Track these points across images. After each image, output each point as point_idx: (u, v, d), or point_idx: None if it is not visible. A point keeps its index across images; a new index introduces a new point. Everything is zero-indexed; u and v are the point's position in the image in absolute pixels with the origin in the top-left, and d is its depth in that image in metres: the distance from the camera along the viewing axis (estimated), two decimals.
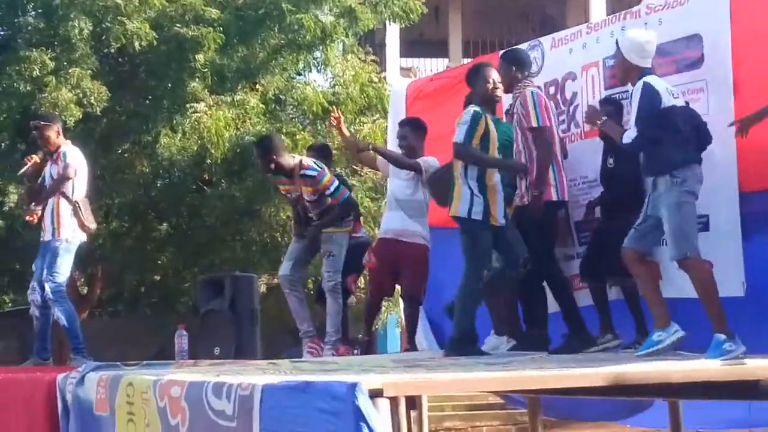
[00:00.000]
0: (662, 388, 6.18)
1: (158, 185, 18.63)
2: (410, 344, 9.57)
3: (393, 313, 18.70)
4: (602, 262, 8.08)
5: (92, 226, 9.95)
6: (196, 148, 17.38)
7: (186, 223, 19.13)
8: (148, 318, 21.09)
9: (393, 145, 11.02)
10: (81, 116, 16.13)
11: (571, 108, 9.10)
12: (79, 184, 9.84)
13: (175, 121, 17.48)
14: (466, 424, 21.88)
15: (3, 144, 18.89)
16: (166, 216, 19.32)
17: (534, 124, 8.23)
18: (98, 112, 16.69)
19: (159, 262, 19.60)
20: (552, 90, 9.27)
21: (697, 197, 7.27)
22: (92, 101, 16.40)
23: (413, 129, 9.54)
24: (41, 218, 9.84)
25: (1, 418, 7.94)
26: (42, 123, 10.00)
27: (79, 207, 9.78)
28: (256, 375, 6.29)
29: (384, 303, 18.57)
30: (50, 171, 9.90)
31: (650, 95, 7.24)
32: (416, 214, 9.23)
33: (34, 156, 10.01)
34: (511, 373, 5.63)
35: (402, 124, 9.82)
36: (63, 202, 9.76)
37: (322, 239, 9.47)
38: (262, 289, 17.21)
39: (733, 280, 7.71)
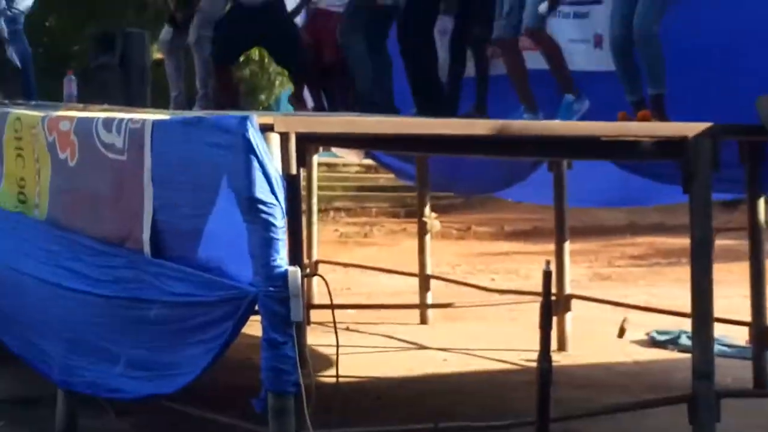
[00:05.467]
0: (545, 146, 6.30)
1: None
2: None
3: (286, 90, 18.61)
4: None
5: None
6: None
7: None
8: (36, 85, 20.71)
9: None
10: None
11: None
12: None
13: None
14: (355, 205, 22.16)
15: None
16: None
17: None
18: None
19: (47, 24, 19.07)
20: None
21: None
22: None
23: None
24: None
25: None
26: None
27: None
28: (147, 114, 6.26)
29: (278, 77, 18.51)
30: None
31: None
32: None
33: None
34: (400, 119, 5.69)
35: None
36: None
37: None
38: (155, 56, 16.96)
39: None
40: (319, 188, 12.92)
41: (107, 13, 17.56)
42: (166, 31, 9.47)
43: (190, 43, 9.20)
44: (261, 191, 4.84)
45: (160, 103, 10.00)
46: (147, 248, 5.42)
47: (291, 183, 5.12)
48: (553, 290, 8.63)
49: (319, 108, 9.31)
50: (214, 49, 9.15)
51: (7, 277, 6.33)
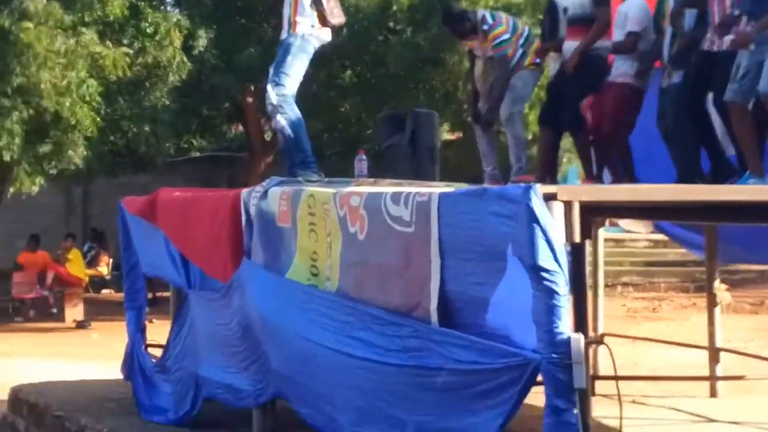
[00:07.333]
0: None
1: (343, 32, 18.76)
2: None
3: (573, 166, 18.61)
4: None
5: (337, 20, 8.30)
6: None
7: (370, 70, 19.28)
8: (331, 166, 21.47)
9: None
10: None
11: None
12: None
13: None
14: (643, 280, 21.86)
15: None
16: (350, 63, 19.49)
17: None
18: None
19: (342, 109, 19.83)
20: None
21: None
22: None
23: None
24: None
25: (191, 231, 8.30)
26: None
27: None
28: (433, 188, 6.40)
29: (565, 154, 18.53)
30: None
31: None
32: None
33: None
34: (687, 186, 5.62)
35: None
36: None
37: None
38: (444, 136, 17.33)
39: None
40: (606, 263, 12.78)
41: (399, 98, 18.08)
42: (481, 106, 9.68)
43: (502, 120, 9.40)
44: (544, 259, 4.89)
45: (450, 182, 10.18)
46: (434, 317, 5.55)
47: (575, 251, 5.14)
48: None
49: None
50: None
51: (301, 348, 6.56)
